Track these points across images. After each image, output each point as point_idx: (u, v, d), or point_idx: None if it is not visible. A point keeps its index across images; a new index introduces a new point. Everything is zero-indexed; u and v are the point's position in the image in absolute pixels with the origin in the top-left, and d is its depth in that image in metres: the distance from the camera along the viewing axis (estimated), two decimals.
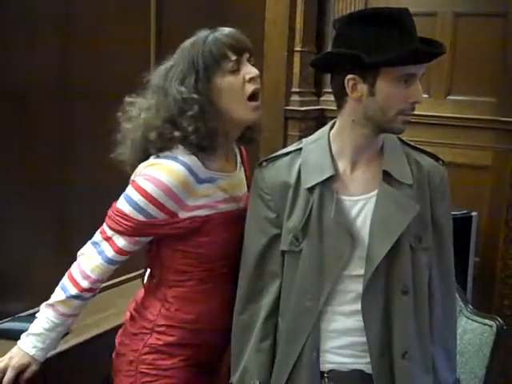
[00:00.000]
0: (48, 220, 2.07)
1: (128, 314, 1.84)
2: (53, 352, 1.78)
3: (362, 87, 1.52)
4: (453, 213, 3.26)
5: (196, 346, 1.76)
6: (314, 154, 1.63)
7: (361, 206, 1.59)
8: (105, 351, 1.84)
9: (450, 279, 1.69)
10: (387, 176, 1.58)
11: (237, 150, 1.84)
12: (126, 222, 1.64)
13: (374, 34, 1.49)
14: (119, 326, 1.88)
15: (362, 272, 1.55)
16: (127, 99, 1.74)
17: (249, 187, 1.79)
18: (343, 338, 1.60)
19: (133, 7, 2.52)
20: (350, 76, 1.52)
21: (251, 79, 1.65)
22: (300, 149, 1.66)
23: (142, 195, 1.62)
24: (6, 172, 2.08)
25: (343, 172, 1.61)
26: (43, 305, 1.73)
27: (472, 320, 2.07)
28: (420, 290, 1.59)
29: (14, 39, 2.06)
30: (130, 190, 1.64)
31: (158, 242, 1.74)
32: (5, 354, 1.78)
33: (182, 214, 1.66)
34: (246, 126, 1.75)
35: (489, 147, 3.55)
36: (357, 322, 1.58)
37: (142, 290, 1.84)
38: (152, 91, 1.71)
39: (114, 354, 1.83)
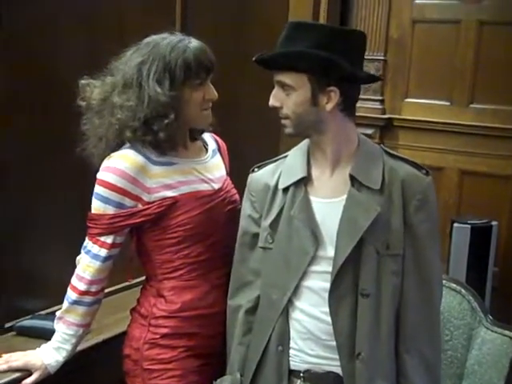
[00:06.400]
0: (70, 219, 2.08)
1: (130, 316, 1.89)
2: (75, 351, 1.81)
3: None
4: (472, 222, 3.34)
5: (194, 334, 1.79)
6: (294, 159, 1.72)
7: (330, 208, 1.63)
8: None
9: (432, 288, 1.66)
10: (355, 181, 1.62)
11: (210, 140, 1.93)
12: (101, 222, 1.71)
13: None
14: None
15: (328, 269, 1.60)
16: (83, 82, 1.77)
17: (227, 172, 1.92)
18: (317, 340, 1.64)
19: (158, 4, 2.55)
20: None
21: (209, 99, 1.76)
22: (287, 155, 1.76)
23: (104, 187, 1.70)
24: (30, 172, 2.10)
25: (317, 175, 1.67)
26: (55, 320, 1.79)
27: (491, 331, 2.04)
28: (383, 296, 1.60)
29: (43, 35, 2.08)
30: (95, 188, 1.72)
31: (139, 237, 1.80)
32: (24, 350, 1.82)
33: (148, 198, 1.71)
34: None
35: (510, 156, 3.53)
36: (328, 326, 1.61)
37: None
38: (124, 82, 1.72)
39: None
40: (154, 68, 1.70)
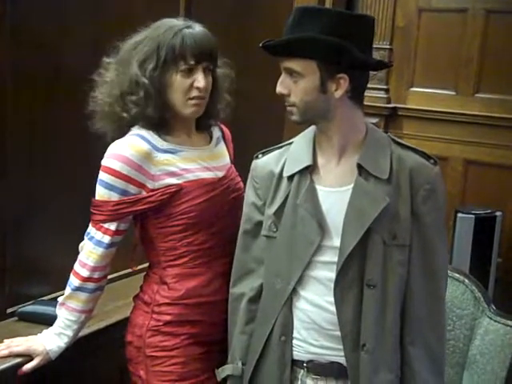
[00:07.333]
0: (73, 205, 2.08)
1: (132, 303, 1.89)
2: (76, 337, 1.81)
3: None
4: (477, 212, 3.33)
5: (197, 322, 1.79)
6: (299, 146, 1.69)
7: (336, 197, 1.61)
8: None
9: (438, 280, 1.65)
10: (363, 170, 1.60)
11: (214, 128, 1.92)
12: (105, 208, 1.71)
13: None
14: None
15: (334, 259, 1.58)
16: (106, 60, 1.79)
17: (231, 160, 1.92)
18: (321, 330, 1.63)
19: None
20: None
21: (197, 88, 1.72)
22: (292, 142, 1.73)
23: (109, 174, 1.70)
24: (31, 159, 2.10)
25: (323, 164, 1.65)
26: (57, 306, 1.79)
27: (494, 321, 2.04)
28: (388, 286, 1.59)
29: (47, 27, 2.07)
30: (100, 175, 1.72)
31: (143, 225, 1.80)
32: (26, 335, 1.82)
33: (152, 185, 1.72)
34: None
35: None
36: (333, 316, 1.60)
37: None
38: (116, 62, 1.76)
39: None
40: (145, 48, 1.71)
